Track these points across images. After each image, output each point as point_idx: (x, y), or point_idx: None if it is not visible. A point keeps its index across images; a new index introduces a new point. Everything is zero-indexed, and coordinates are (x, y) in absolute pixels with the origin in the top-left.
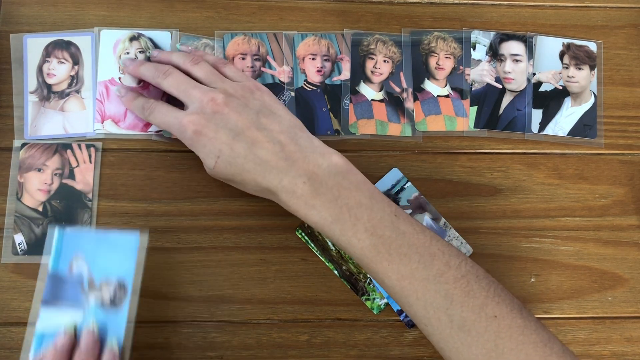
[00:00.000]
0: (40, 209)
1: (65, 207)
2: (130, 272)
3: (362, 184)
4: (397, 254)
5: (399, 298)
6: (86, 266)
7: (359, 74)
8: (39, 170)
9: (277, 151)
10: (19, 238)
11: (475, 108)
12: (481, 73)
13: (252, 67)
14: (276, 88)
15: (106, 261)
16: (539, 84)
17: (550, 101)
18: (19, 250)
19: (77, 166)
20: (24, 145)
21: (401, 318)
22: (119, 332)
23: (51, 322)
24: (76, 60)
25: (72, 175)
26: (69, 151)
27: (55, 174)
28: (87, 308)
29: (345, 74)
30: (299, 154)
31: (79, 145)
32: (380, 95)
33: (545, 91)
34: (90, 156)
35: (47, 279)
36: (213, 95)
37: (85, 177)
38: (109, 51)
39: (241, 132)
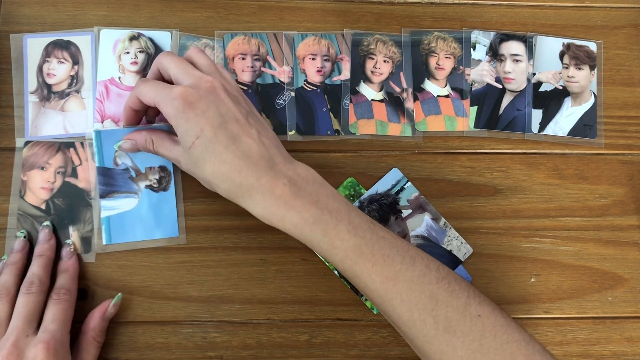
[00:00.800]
0: (43, 207)
1: (68, 205)
2: None
3: (337, 194)
4: (380, 255)
5: (382, 301)
6: (129, 158)
7: (359, 74)
8: (42, 168)
9: (261, 151)
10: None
11: (475, 108)
12: (481, 73)
13: (252, 67)
14: (276, 88)
15: (145, 152)
16: (539, 84)
17: (550, 101)
18: None
19: (79, 164)
20: (26, 143)
21: None
22: (171, 208)
23: (112, 208)
24: (76, 60)
25: (74, 174)
26: (71, 149)
27: (58, 172)
28: (140, 192)
29: (345, 74)
30: (280, 158)
31: (82, 144)
32: (380, 95)
33: (545, 91)
34: (92, 155)
35: (97, 175)
36: (212, 78)
37: (87, 176)
38: (108, 51)
39: (230, 120)
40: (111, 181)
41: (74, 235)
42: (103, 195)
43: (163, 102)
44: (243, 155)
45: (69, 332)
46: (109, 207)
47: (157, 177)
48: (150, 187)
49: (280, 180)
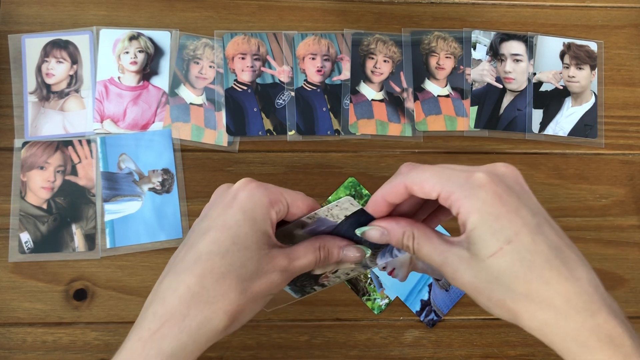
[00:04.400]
0: (45, 206)
1: (70, 204)
2: (171, 160)
3: None
4: None
5: None
6: (132, 162)
7: (359, 74)
8: (41, 168)
9: (590, 275)
10: (25, 237)
11: (475, 108)
12: (482, 73)
13: (252, 66)
14: (276, 88)
15: (148, 155)
16: (540, 83)
17: (550, 101)
18: (25, 248)
19: (79, 162)
20: (24, 144)
21: (421, 318)
22: (175, 210)
23: (116, 212)
24: (75, 60)
25: (74, 172)
26: (70, 148)
27: (58, 171)
28: (144, 195)
29: (346, 73)
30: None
31: (80, 142)
32: (380, 95)
33: (546, 91)
34: (91, 152)
35: (102, 180)
36: (504, 163)
37: (87, 173)
38: (108, 50)
39: (545, 223)
40: (115, 185)
41: (77, 233)
42: (107, 199)
43: (460, 190)
44: (575, 281)
45: None
46: (113, 211)
47: (160, 179)
48: (153, 189)
49: (615, 321)
